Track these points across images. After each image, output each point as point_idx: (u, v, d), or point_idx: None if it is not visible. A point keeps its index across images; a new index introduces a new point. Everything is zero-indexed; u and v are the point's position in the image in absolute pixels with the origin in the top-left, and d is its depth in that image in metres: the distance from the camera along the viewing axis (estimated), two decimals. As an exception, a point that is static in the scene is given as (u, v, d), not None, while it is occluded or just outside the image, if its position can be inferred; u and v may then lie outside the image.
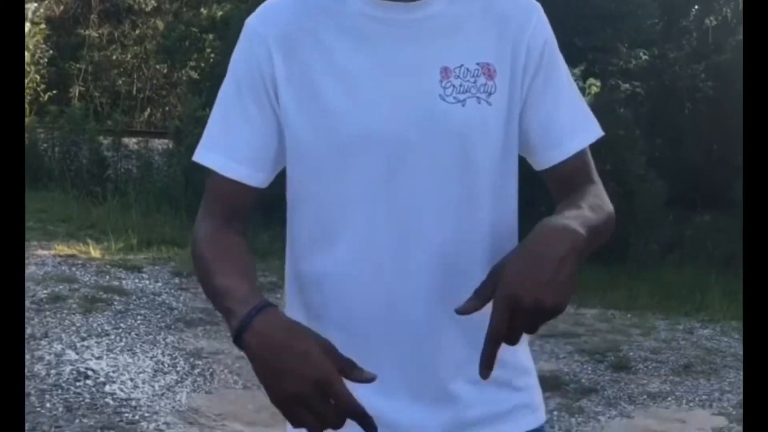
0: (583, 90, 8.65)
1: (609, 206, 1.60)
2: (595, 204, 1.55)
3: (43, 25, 14.49)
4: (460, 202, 1.57)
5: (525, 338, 1.65)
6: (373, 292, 1.56)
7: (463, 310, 1.40)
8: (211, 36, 12.52)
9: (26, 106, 13.48)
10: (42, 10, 14.66)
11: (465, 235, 1.58)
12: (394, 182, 1.54)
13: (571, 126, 1.64)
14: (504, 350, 1.60)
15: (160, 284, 7.32)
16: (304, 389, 1.29)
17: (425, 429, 1.59)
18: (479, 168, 1.57)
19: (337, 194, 1.56)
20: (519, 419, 1.65)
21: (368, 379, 1.33)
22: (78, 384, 5.11)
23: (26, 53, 13.70)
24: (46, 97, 13.88)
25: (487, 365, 1.38)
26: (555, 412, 5.05)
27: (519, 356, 1.66)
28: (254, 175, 1.60)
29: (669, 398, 5.43)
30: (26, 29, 13.60)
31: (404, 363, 1.56)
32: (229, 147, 1.60)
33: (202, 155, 1.62)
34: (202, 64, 12.75)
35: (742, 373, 5.59)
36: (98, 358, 5.56)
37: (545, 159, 1.65)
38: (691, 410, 5.28)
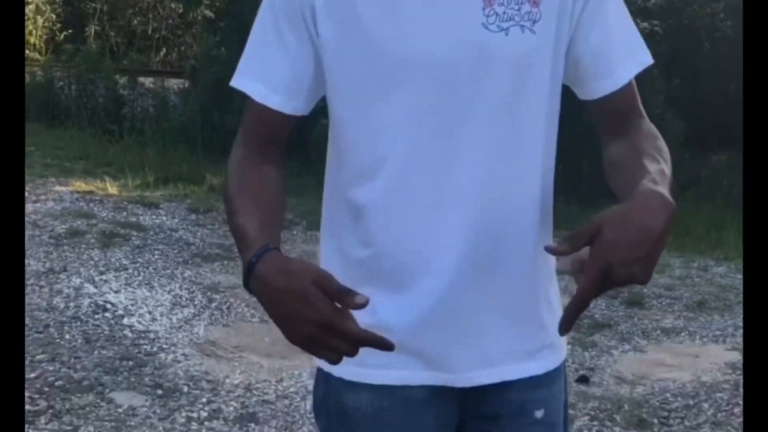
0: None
1: (666, 146, 1.57)
2: (665, 152, 1.53)
3: (58, -36, 14.42)
4: (507, 136, 1.55)
5: (554, 274, 1.67)
6: (410, 225, 1.56)
7: (552, 250, 1.35)
8: (226, -26, 12.43)
9: (42, 45, 13.48)
10: (57, -51, 14.58)
11: (510, 174, 1.56)
12: (436, 111, 1.53)
13: (623, 54, 1.62)
14: (539, 287, 1.62)
15: (177, 220, 7.36)
16: (310, 330, 1.31)
17: (454, 360, 1.61)
18: (528, 102, 1.56)
19: (377, 122, 1.55)
20: (545, 358, 1.67)
21: (362, 304, 1.30)
22: (96, 316, 5.18)
23: (42, -7, 13.66)
24: (62, 36, 13.84)
25: (567, 327, 1.35)
26: (568, 347, 5.06)
27: (550, 293, 1.67)
28: (289, 103, 1.60)
29: (682, 333, 5.45)
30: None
31: (437, 296, 1.56)
32: (264, 74, 1.60)
33: (238, 81, 1.63)
34: (218, 3, 12.63)
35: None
36: (116, 291, 5.62)
37: (596, 89, 1.62)
38: (704, 345, 5.30)
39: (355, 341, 1.32)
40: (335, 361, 1.35)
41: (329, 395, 1.66)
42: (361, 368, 1.53)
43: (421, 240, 1.56)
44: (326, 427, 1.69)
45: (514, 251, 1.58)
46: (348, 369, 1.57)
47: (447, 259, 1.55)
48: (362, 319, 1.43)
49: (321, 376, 1.67)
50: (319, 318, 1.30)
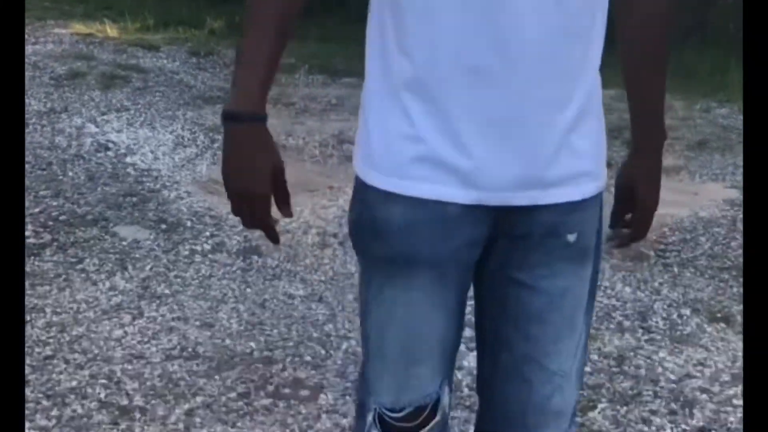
0: None
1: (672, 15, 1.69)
2: (669, 29, 1.68)
3: None
4: None
5: (599, 105, 1.65)
6: (450, 33, 1.51)
7: (618, 241, 1.88)
8: None
9: None
10: None
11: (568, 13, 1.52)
12: None
13: None
14: (582, 114, 1.60)
15: (177, 63, 7.32)
16: (240, 191, 1.57)
17: (488, 179, 1.57)
18: None
19: None
20: (582, 185, 1.63)
21: (287, 215, 1.61)
22: (99, 155, 5.20)
23: None
24: None
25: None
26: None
27: (593, 121, 1.64)
28: None
29: (682, 172, 5.47)
30: None
31: (474, 112, 1.53)
32: None
33: None
34: None
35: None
36: (118, 131, 5.63)
37: None
38: (703, 183, 5.34)
39: (256, 221, 1.61)
40: (239, 219, 1.62)
41: (364, 210, 1.65)
42: (397, 179, 1.53)
43: (461, 52, 1.51)
44: (360, 244, 1.70)
45: (557, 79, 1.54)
46: (384, 179, 1.59)
47: (487, 75, 1.51)
48: (401, 128, 1.55)
49: (358, 193, 1.67)
50: (253, 191, 1.56)
